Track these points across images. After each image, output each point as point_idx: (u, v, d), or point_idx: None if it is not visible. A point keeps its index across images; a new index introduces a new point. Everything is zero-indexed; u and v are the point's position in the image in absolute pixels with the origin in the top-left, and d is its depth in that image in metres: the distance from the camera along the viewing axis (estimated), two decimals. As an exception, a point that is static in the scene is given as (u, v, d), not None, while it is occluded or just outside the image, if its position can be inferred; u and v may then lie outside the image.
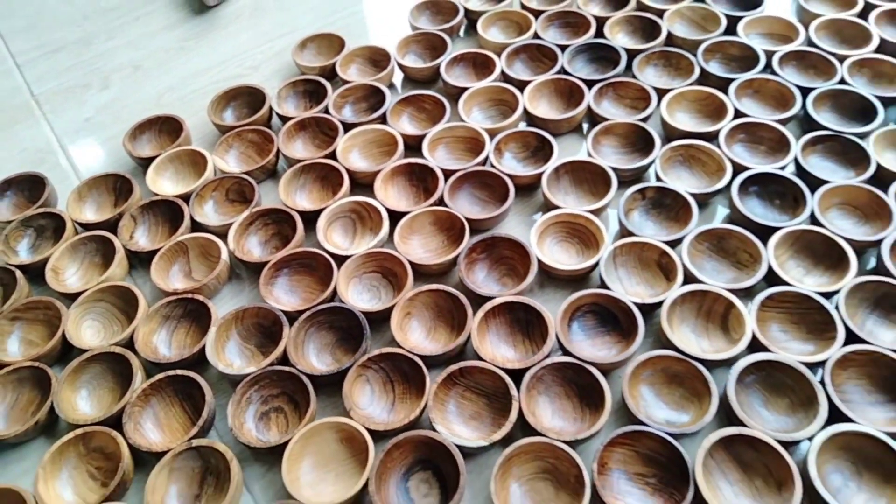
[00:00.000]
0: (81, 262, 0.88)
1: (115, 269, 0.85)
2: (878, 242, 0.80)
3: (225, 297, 0.86)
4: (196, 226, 0.90)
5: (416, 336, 0.79)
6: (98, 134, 1.08)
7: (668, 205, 0.87)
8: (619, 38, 1.10)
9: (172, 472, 0.69)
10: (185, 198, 0.92)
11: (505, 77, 1.05)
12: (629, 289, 0.81)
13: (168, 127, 1.02)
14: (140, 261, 0.89)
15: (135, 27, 1.26)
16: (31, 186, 0.97)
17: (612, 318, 0.78)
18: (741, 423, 0.67)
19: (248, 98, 1.06)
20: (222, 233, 0.88)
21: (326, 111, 1.02)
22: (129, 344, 0.79)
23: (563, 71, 1.04)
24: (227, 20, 1.27)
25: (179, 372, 0.75)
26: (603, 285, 0.80)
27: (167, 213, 0.92)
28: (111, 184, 0.95)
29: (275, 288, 0.83)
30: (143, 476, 0.70)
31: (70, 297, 0.83)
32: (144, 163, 0.98)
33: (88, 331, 0.81)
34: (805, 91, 0.96)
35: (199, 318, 0.81)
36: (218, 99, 1.05)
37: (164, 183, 0.95)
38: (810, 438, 0.66)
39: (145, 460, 0.72)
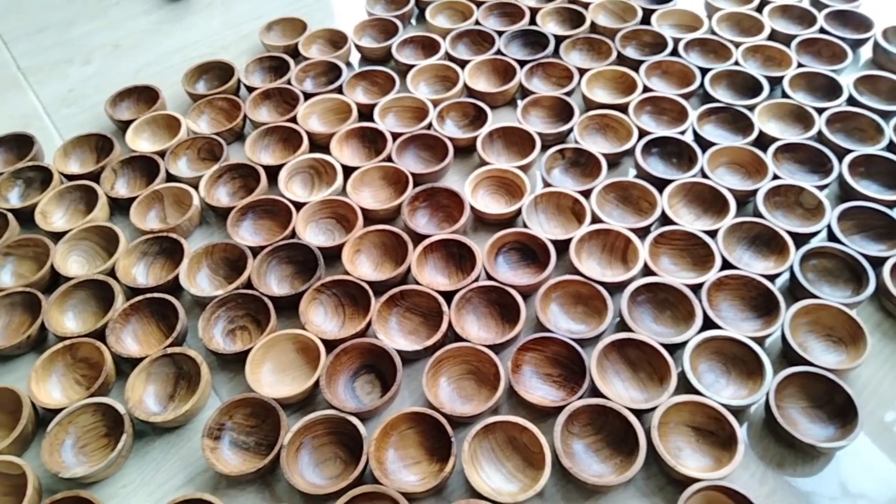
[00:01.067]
0: (67, 208, 0.99)
1: (98, 213, 0.96)
2: (755, 192, 0.95)
3: (196, 239, 0.98)
4: (171, 179, 1.02)
5: (365, 270, 0.91)
6: (80, 103, 1.18)
7: (583, 163, 1.01)
8: (550, 27, 1.25)
9: (150, 376, 0.80)
10: (161, 154, 1.03)
11: (449, 57, 1.19)
12: (548, 231, 0.94)
13: (146, 96, 1.14)
14: (120, 208, 1.00)
15: (115, 10, 1.38)
16: (19, 145, 1.07)
17: (531, 253, 0.92)
18: (632, 332, 0.81)
19: (219, 72, 1.18)
20: (194, 184, 1.00)
21: (289, 83, 1.15)
22: (111, 274, 0.90)
23: (499, 52, 1.19)
24: (200, 6, 1.39)
25: (156, 295, 0.86)
26: (525, 227, 0.94)
27: (145, 167, 1.03)
28: (94, 143, 1.06)
29: (240, 229, 0.95)
30: (123, 382, 0.81)
31: (57, 237, 0.93)
32: (124, 126, 1.09)
33: (74, 265, 0.92)
34: (704, 71, 1.12)
35: (173, 255, 0.93)
36: (191, 72, 1.16)
37: (141, 143, 1.07)
38: (685, 343, 0.80)
39: (125, 371, 0.83)
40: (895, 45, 1.15)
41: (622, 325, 0.84)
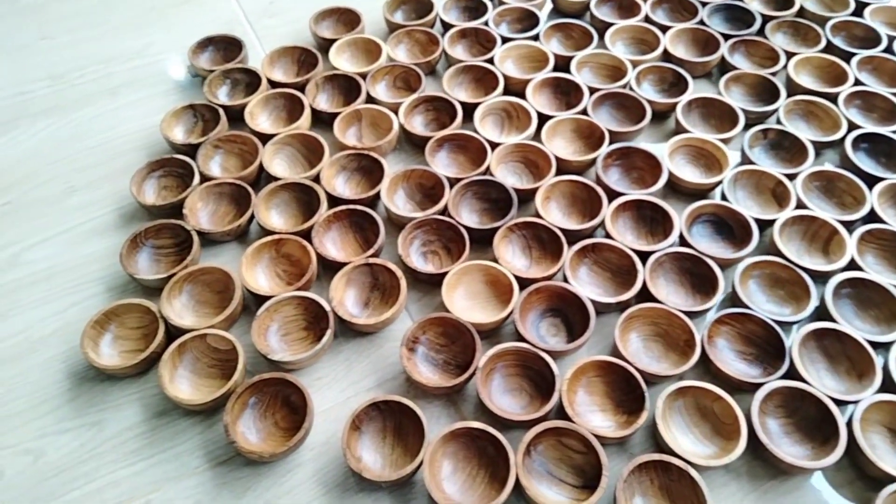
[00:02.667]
0: (271, 113, 1.03)
1: (302, 122, 0.99)
2: (975, 204, 0.90)
3: (389, 162, 1.00)
4: (369, 101, 1.04)
5: (554, 216, 0.92)
6: (281, 16, 1.22)
7: (786, 147, 0.98)
8: (755, 5, 1.20)
9: (350, 281, 0.83)
10: (362, 77, 1.06)
11: (648, 20, 1.16)
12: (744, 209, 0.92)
13: (346, 18, 1.16)
14: (319, 121, 1.03)
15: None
16: (227, 46, 1.12)
17: (727, 228, 0.90)
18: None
19: (417, 5, 1.19)
20: (393, 109, 1.02)
21: (486, 25, 1.15)
22: (315, 181, 0.93)
23: (701, 23, 1.15)
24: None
25: (358, 207, 0.89)
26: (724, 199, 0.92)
27: (345, 86, 1.06)
28: (297, 55, 1.10)
29: (436, 159, 0.97)
30: (317, 282, 0.85)
31: (262, 138, 0.97)
32: (325, 43, 1.12)
33: (278, 167, 0.96)
34: (924, 73, 1.06)
35: (371, 173, 0.95)
36: (392, 1, 1.18)
37: (342, 62, 1.09)
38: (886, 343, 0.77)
39: (321, 273, 0.86)
40: None
41: (822, 315, 0.81)
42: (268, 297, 0.80)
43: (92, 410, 0.75)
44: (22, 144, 1.02)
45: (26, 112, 1.07)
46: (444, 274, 0.83)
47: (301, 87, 1.05)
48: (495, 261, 0.85)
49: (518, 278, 0.83)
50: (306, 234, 0.87)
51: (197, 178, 0.92)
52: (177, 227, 0.87)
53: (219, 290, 0.83)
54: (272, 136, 0.97)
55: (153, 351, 0.76)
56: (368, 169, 0.96)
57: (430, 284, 0.86)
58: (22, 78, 1.12)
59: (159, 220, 0.87)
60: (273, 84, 1.06)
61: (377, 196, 0.91)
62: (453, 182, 0.92)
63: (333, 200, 0.91)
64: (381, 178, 0.93)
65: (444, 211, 0.90)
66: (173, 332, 0.79)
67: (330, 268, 0.85)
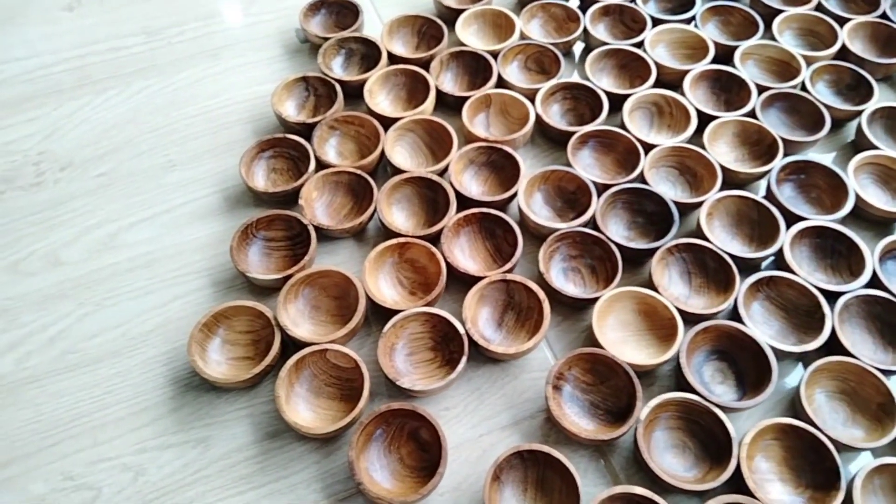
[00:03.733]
0: (390, 91, 0.91)
1: (427, 105, 0.88)
2: None
3: (522, 157, 0.88)
4: (500, 83, 0.92)
5: (718, 237, 0.79)
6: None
7: None
8: (948, -4, 1.03)
9: (483, 298, 0.73)
10: (494, 56, 0.93)
11: (821, 8, 1.00)
12: (940, 246, 0.78)
13: (471, -16, 1.04)
14: (443, 104, 0.92)
15: None
16: (340, 10, 1.00)
17: (923, 268, 0.77)
18: None
19: (551, -27, 1.06)
20: (525, 95, 0.90)
21: (633, 2, 1.01)
22: (440, 176, 0.82)
23: (884, 16, 0.99)
24: None
25: (492, 211, 0.78)
26: (918, 235, 0.78)
27: (472, 65, 0.93)
28: (418, 26, 0.98)
29: (577, 159, 0.85)
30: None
31: (380, 119, 0.86)
32: (449, 13, 0.99)
33: (398, 156, 0.85)
34: None
35: (502, 169, 0.84)
36: (524, -33, 1.05)
37: (469, 37, 0.97)
38: None
39: (448, 282, 0.76)
40: None
41: None
42: (392, 311, 0.70)
43: (198, 425, 0.67)
44: (117, 108, 0.93)
45: (121, 71, 0.97)
46: (592, 299, 0.72)
47: (424, 64, 0.93)
48: (649, 285, 0.74)
49: (680, 311, 0.71)
50: (433, 239, 0.76)
51: (313, 164, 0.81)
52: (291, 220, 0.77)
53: (336, 296, 0.74)
54: (394, 120, 0.86)
55: (268, 364, 0.68)
56: (499, 165, 0.84)
57: (571, 308, 0.75)
58: (115, 32, 1.02)
59: (273, 211, 0.77)
60: (392, 58, 0.94)
61: (511, 198, 0.80)
62: (600, 188, 0.81)
63: (461, 200, 0.80)
64: (513, 176, 0.82)
65: (591, 222, 0.79)
66: (287, 342, 0.71)
67: (457, 278, 0.75)
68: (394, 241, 0.75)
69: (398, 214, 0.81)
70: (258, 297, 0.75)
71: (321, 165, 0.83)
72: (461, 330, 0.69)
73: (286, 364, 0.66)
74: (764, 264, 0.79)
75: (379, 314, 0.73)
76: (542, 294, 0.71)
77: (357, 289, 0.72)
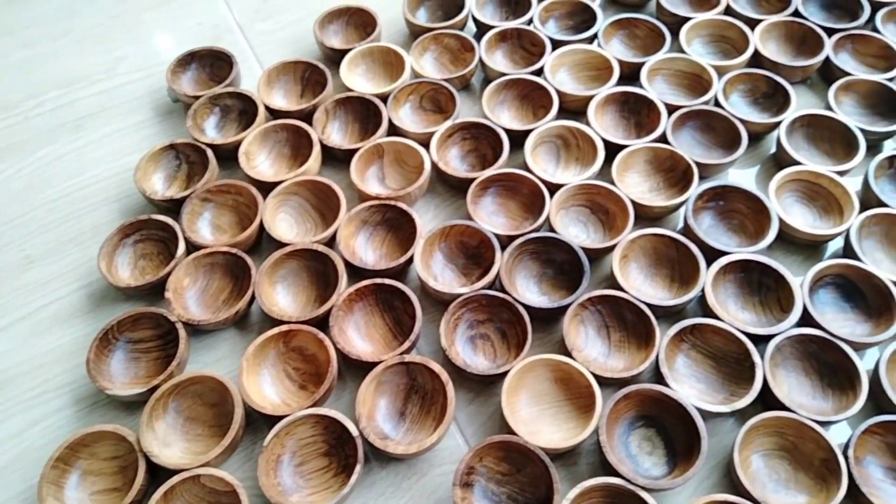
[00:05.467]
0: (271, 150, 0.83)
1: (312, 163, 0.79)
2: None
3: (419, 209, 0.80)
4: (391, 130, 0.84)
5: (635, 282, 0.72)
6: (278, 18, 1.01)
7: (922, 178, 0.78)
8: (860, -14, 0.98)
9: (380, 386, 0.65)
10: (383, 99, 0.85)
11: (730, 11, 0.94)
12: (874, 265, 0.72)
13: (357, 20, 0.95)
14: (332, 158, 0.84)
15: None
16: (213, 63, 0.91)
17: (857, 293, 0.70)
18: None
19: (443, 0, 0.98)
20: (419, 140, 0.82)
21: (530, 24, 0.93)
22: (328, 244, 0.74)
23: (796, 14, 0.93)
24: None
25: (386, 281, 0.70)
26: (848, 256, 0.72)
27: (361, 111, 0.85)
28: (300, 72, 0.89)
29: (479, 208, 0.77)
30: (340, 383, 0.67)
31: (260, 185, 0.78)
32: (333, 54, 0.91)
33: (282, 224, 0.77)
34: None
35: (398, 228, 0.76)
36: (413, -4, 0.97)
37: (356, 79, 0.89)
38: None
39: (342, 368, 0.68)
40: None
41: None
42: (276, 418, 0.62)
43: (57, 581, 0.58)
44: (-33, 199, 0.83)
45: (-27, 154, 0.87)
46: (502, 373, 0.64)
47: (308, 115, 0.84)
48: (563, 346, 0.66)
49: (598, 376, 0.64)
50: (323, 319, 0.68)
51: (182, 247, 0.72)
52: (158, 316, 0.68)
53: (214, 403, 0.65)
54: (275, 184, 0.77)
55: (133, 500, 0.59)
56: (396, 223, 0.76)
57: (482, 383, 0.68)
58: (-34, 108, 0.92)
59: (137, 309, 0.68)
60: (272, 112, 0.86)
61: (409, 262, 0.72)
62: (505, 240, 0.73)
63: (355, 269, 0.72)
64: (411, 234, 0.74)
65: (496, 280, 0.71)
66: (157, 467, 0.62)
67: (355, 364, 0.67)
68: (275, 330, 0.67)
69: (283, 296, 0.72)
70: (127, 413, 0.66)
71: (194, 246, 0.74)
72: (354, 432, 0.61)
73: (153, 498, 0.58)
74: (690, 306, 0.72)
75: (266, 419, 0.65)
76: (444, 376, 0.63)
77: (233, 395, 0.63)
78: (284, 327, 0.67)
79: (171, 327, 0.68)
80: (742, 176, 0.83)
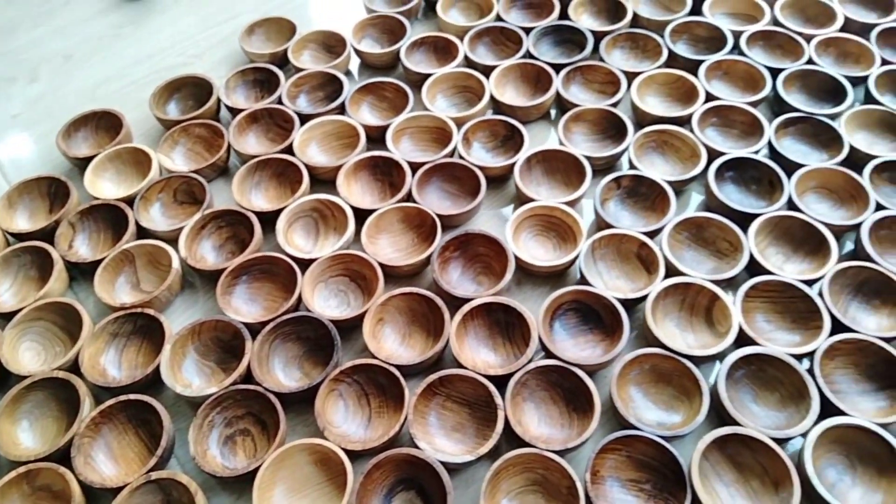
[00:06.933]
0: (15, 277, 0.80)
1: (54, 284, 0.77)
2: (857, 226, 0.79)
3: (178, 309, 0.79)
4: (142, 232, 0.83)
5: (391, 343, 0.74)
6: (28, 132, 0.98)
7: (643, 193, 0.84)
8: (584, 20, 1.06)
9: (130, 511, 0.63)
10: (129, 201, 0.84)
11: (468, 62, 1.00)
12: (609, 283, 0.77)
13: (106, 123, 0.94)
14: (82, 272, 0.81)
15: (64, 12, 1.16)
16: (-49, 194, 0.87)
17: (594, 315, 0.75)
18: (733, 422, 0.65)
19: (194, 89, 0.98)
20: (172, 238, 0.81)
21: (280, 101, 0.95)
22: (75, 367, 0.71)
23: (528, 55, 1.00)
24: (165, 4, 1.18)
25: (132, 397, 0.68)
26: (583, 281, 0.76)
27: (109, 218, 0.84)
28: (45, 188, 0.87)
29: (233, 297, 0.77)
30: (97, 513, 0.64)
31: (4, 317, 0.75)
32: (81, 163, 0.89)
33: (27, 353, 0.74)
34: (775, 72, 0.94)
35: (152, 335, 0.75)
36: (160, 91, 0.96)
37: (104, 185, 0.87)
38: (804, 434, 0.64)
39: (99, 496, 0.65)
40: None
41: (718, 410, 0.68)
42: (15, 569, 0.58)
43: None
44: None
45: None
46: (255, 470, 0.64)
47: (50, 234, 0.82)
48: (323, 429, 0.67)
49: (351, 452, 0.65)
50: (67, 452, 0.65)
51: None
52: None
53: (-49, 566, 0.61)
54: (14, 313, 0.74)
55: None
56: (147, 330, 0.75)
57: (246, 481, 0.67)
58: None
59: None
60: (16, 237, 0.83)
61: (157, 371, 0.71)
62: (257, 328, 0.73)
63: (105, 389, 0.70)
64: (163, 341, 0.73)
65: (249, 373, 0.71)
66: None
67: (103, 496, 0.64)
68: (14, 473, 0.63)
69: (28, 431, 0.69)
70: None
71: (-73, 398, 0.70)
72: (96, 566, 0.59)
73: None
74: (445, 358, 0.75)
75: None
76: (192, 486, 0.62)
77: (-35, 555, 0.59)
78: (23, 468, 0.64)
79: None
80: (495, 218, 0.87)
